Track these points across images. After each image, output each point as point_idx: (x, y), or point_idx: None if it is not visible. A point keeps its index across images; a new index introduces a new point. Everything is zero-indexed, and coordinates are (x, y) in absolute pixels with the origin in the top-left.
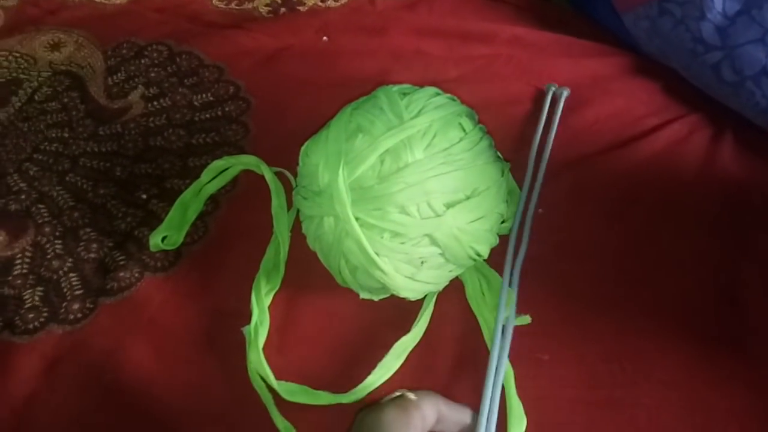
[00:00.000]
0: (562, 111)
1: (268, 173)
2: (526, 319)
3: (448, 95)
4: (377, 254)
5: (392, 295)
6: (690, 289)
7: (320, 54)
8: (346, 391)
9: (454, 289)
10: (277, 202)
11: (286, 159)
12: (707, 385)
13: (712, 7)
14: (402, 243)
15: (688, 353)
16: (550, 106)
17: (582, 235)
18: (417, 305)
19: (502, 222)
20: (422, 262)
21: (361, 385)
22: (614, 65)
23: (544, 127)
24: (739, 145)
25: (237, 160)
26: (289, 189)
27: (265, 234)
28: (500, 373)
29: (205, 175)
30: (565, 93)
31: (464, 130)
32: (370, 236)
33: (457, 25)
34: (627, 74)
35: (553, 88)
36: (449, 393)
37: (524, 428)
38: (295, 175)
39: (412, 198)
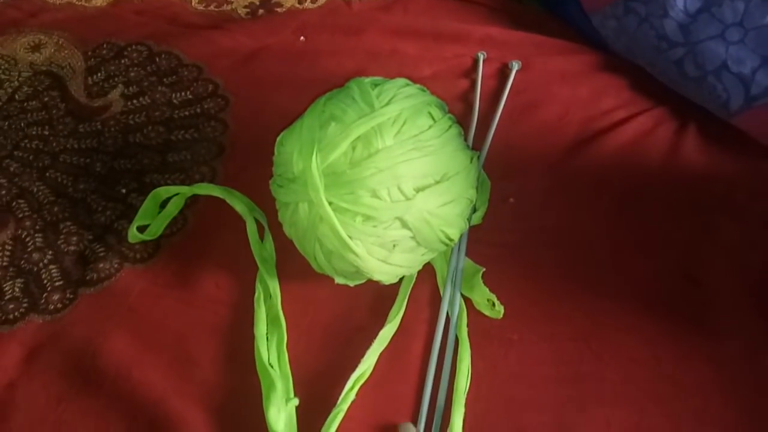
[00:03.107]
0: (534, 102)
1: (239, 206)
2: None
3: (418, 86)
4: (350, 237)
5: (368, 281)
6: (655, 271)
7: (297, 53)
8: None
9: (427, 274)
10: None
11: (264, 154)
12: (671, 360)
13: (674, 5)
14: (374, 226)
15: (653, 331)
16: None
17: (552, 223)
18: (392, 290)
19: (474, 211)
20: (394, 246)
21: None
22: (583, 62)
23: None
24: (702, 137)
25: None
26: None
27: (243, 225)
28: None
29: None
30: (516, 66)
31: (433, 119)
32: (343, 220)
33: (431, 26)
34: (595, 71)
35: (483, 56)
36: (423, 376)
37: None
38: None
39: (383, 182)
